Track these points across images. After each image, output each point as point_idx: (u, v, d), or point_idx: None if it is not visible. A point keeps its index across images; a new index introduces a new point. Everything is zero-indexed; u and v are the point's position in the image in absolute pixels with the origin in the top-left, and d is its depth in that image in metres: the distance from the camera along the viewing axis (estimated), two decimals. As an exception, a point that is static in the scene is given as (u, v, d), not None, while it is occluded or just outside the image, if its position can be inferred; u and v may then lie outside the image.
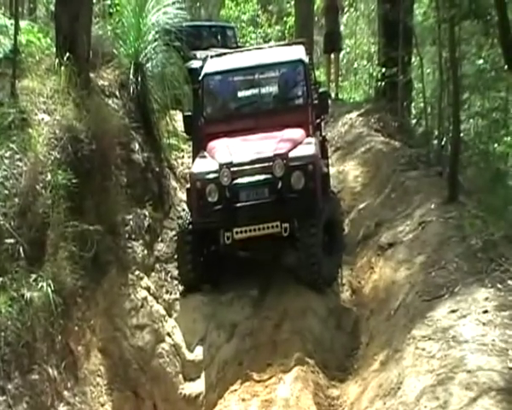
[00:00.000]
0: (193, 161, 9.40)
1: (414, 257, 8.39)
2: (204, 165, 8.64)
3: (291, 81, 9.71)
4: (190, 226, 8.65)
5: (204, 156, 8.91)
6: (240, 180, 8.32)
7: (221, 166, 8.29)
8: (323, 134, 10.29)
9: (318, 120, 9.76)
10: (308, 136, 8.96)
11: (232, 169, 8.28)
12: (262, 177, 8.33)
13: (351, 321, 8.66)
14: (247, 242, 8.57)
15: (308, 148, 8.61)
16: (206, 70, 9.65)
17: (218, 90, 9.83)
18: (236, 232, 8.37)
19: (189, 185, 8.84)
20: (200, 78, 9.52)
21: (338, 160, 13.08)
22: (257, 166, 8.36)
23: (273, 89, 9.78)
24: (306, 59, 9.70)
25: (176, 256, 8.98)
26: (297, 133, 8.89)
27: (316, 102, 9.55)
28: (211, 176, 8.36)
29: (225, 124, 9.29)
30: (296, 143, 8.65)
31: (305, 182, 8.31)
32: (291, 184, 8.29)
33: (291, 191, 8.29)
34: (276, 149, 8.41)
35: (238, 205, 8.30)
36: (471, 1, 11.57)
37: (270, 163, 8.27)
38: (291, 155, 8.37)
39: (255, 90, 9.75)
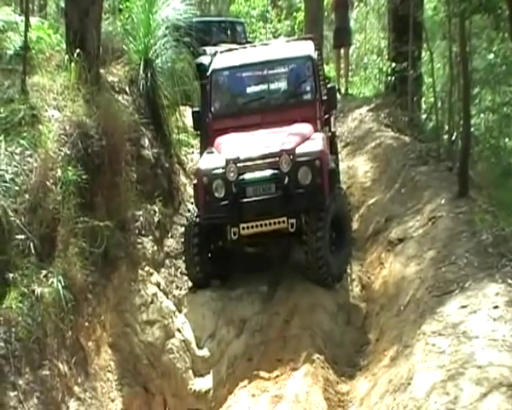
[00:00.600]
0: (200, 156, 9.43)
1: (424, 252, 8.38)
2: (211, 160, 8.64)
3: (299, 77, 9.72)
4: (197, 222, 8.64)
5: (211, 152, 8.90)
6: (246, 176, 8.31)
7: (228, 161, 8.28)
8: (333, 129, 10.27)
9: (327, 116, 9.74)
10: (316, 131, 8.95)
11: (239, 164, 8.27)
12: (269, 172, 8.31)
13: (360, 317, 8.67)
14: (254, 237, 8.57)
15: (315, 143, 8.59)
16: (214, 66, 9.66)
17: (227, 86, 9.84)
18: (243, 228, 8.36)
19: (195, 181, 8.81)
20: (207, 73, 9.53)
21: (348, 155, 13.08)
22: (264, 161, 8.35)
23: (281, 84, 9.83)
24: (315, 54, 9.68)
25: (183, 252, 8.96)
26: (305, 128, 8.88)
27: (324, 97, 9.53)
28: (217, 171, 8.35)
29: (233, 119, 9.29)
30: (304, 139, 8.63)
31: (312, 177, 8.28)
32: (298, 179, 8.27)
33: (298, 187, 8.27)
34: (283, 144, 8.40)
35: (245, 200, 8.28)
36: (482, -6, 11.56)
37: (277, 158, 8.26)
38: (298, 150, 8.35)
39: (263, 86, 9.77)
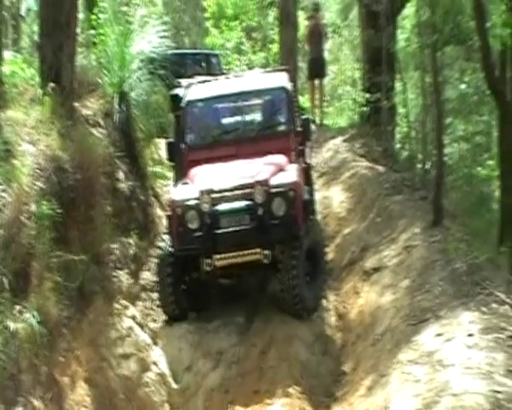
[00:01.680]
0: (175, 187, 9.39)
1: (399, 281, 8.45)
2: (185, 191, 8.63)
3: (274, 108, 9.74)
4: (171, 252, 8.58)
5: (185, 183, 8.90)
6: (220, 207, 8.30)
7: (201, 192, 8.27)
8: (308, 161, 10.25)
9: (301, 147, 9.70)
10: (291, 162, 8.96)
11: (213, 195, 8.26)
12: (243, 203, 8.31)
13: (337, 346, 8.69)
14: (229, 269, 8.54)
15: (290, 174, 8.60)
16: (188, 97, 9.66)
17: (201, 117, 9.79)
18: (217, 259, 8.33)
19: (169, 212, 8.77)
20: (182, 104, 9.55)
21: (323, 185, 13.11)
22: (238, 192, 8.35)
23: (256, 116, 9.89)
24: (290, 86, 9.71)
25: (157, 284, 8.88)
26: (279, 160, 8.90)
27: (299, 128, 9.53)
28: (191, 202, 8.34)
29: (208, 151, 9.28)
30: (278, 170, 8.64)
31: (287, 209, 8.27)
32: (272, 210, 8.26)
33: (272, 218, 8.26)
34: (257, 175, 8.40)
35: (219, 232, 8.26)
36: (453, 27, 11.77)
37: (251, 189, 8.27)
38: (272, 181, 8.35)
39: (238, 118, 9.83)
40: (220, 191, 8.33)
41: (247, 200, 8.30)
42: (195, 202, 8.30)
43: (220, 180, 8.50)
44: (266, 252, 8.35)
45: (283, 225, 8.28)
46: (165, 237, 8.89)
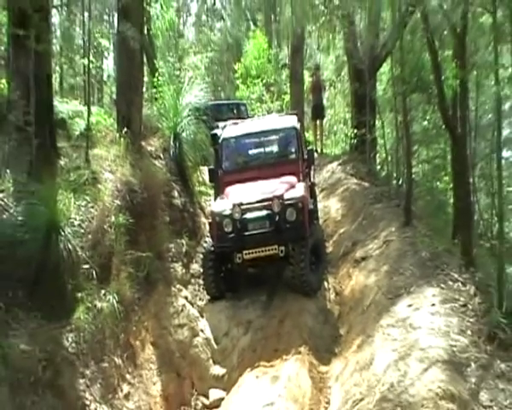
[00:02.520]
0: (214, 201, 9.40)
1: (380, 267, 8.38)
2: (221, 204, 8.63)
3: (286, 142, 9.60)
4: (212, 250, 8.60)
5: (222, 198, 8.90)
6: (248, 215, 8.30)
7: (234, 205, 8.28)
8: (312, 180, 10.19)
9: (307, 170, 9.68)
10: (299, 181, 8.92)
11: (242, 207, 8.27)
12: (264, 212, 8.29)
13: (335, 316, 8.60)
14: (254, 261, 8.52)
15: (298, 190, 8.59)
16: (224, 135, 9.64)
17: (233, 150, 9.68)
18: (245, 254, 8.35)
19: (210, 220, 8.80)
20: (219, 141, 9.54)
21: (323, 198, 13.07)
22: (260, 204, 8.33)
23: (273, 147, 9.77)
24: (298, 125, 9.66)
25: (202, 273, 8.91)
26: (290, 179, 8.85)
27: (305, 156, 9.50)
28: (227, 212, 8.34)
29: (238, 174, 9.22)
30: (290, 187, 8.61)
31: (297, 216, 8.26)
32: (286, 217, 8.24)
33: (286, 223, 8.24)
34: (275, 191, 8.39)
35: (246, 233, 8.27)
36: (418, 79, 11.72)
37: (270, 202, 8.25)
38: (286, 196, 8.34)
39: (260, 149, 9.73)
40: (247, 204, 8.33)
41: (267, 210, 8.29)
42: (229, 212, 8.31)
43: (247, 196, 8.50)
44: (282, 248, 8.32)
45: (294, 228, 8.27)
46: (207, 238, 8.97)
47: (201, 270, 8.89)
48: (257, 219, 8.31)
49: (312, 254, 8.50)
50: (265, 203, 8.31)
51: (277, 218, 8.24)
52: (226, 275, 8.79)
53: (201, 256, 8.90)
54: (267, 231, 8.27)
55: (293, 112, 11.33)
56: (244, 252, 8.35)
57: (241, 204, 8.30)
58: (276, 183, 8.72)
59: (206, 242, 8.95)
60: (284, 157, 9.54)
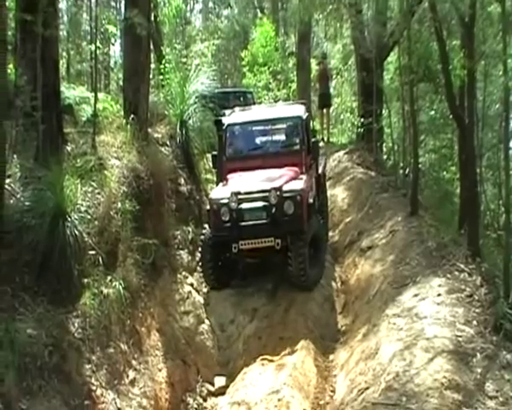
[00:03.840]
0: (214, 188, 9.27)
1: (386, 256, 8.40)
2: (221, 192, 8.51)
3: (291, 132, 9.38)
4: (210, 238, 8.43)
5: (222, 186, 8.78)
6: (244, 205, 8.13)
7: (232, 193, 8.14)
8: (320, 172, 9.85)
9: (313, 161, 9.40)
10: (301, 173, 8.72)
11: (239, 196, 8.11)
12: (260, 204, 8.12)
13: (341, 305, 8.64)
14: (251, 251, 8.35)
15: (299, 183, 8.39)
16: (228, 121, 9.48)
17: (237, 136, 9.51)
18: (242, 244, 8.16)
19: (208, 207, 8.57)
20: (224, 127, 9.39)
21: (330, 186, 12.98)
22: (258, 195, 8.16)
23: (277, 137, 9.54)
24: (305, 116, 9.41)
25: (200, 261, 8.72)
26: (292, 171, 8.68)
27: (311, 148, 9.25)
28: (224, 201, 8.20)
29: (241, 162, 9.07)
30: (290, 179, 8.44)
31: (294, 209, 8.06)
32: (283, 210, 8.05)
33: (283, 215, 8.05)
34: (274, 182, 8.23)
35: (243, 224, 8.12)
36: (425, 68, 11.64)
37: (268, 193, 8.09)
38: (285, 187, 8.17)
39: (264, 138, 9.55)
40: (245, 193, 8.17)
41: (264, 201, 8.11)
42: (227, 200, 8.17)
43: (246, 185, 8.35)
44: (278, 241, 8.10)
45: (291, 221, 8.08)
46: (206, 226, 8.73)
47: (199, 258, 8.73)
48: (253, 209, 8.14)
49: (311, 248, 8.31)
50: (263, 194, 8.14)
51: (274, 210, 8.06)
52: (224, 264, 8.62)
53: (201, 244, 8.67)
54: (263, 222, 8.10)
55: (301, 101, 11.12)
56: (240, 242, 8.16)
57: (239, 193, 8.15)
58: (277, 173, 8.56)
59: (204, 229, 8.72)
60: (289, 147, 9.36)
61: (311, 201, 8.45)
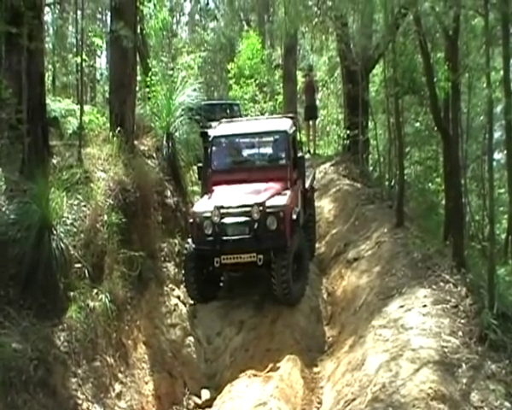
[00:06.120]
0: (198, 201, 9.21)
1: (372, 267, 8.43)
2: (203, 205, 8.45)
3: (277, 146, 9.30)
4: (193, 251, 8.32)
5: (206, 198, 8.73)
6: (227, 219, 8.05)
7: (214, 207, 8.07)
8: (307, 186, 9.69)
9: (298, 176, 9.21)
10: (286, 188, 8.59)
11: (222, 211, 8.02)
12: (243, 219, 8.03)
13: (327, 316, 8.65)
14: (233, 266, 8.28)
15: (282, 198, 8.29)
16: (214, 133, 9.42)
17: (223, 149, 9.44)
18: (223, 258, 8.07)
19: (191, 220, 8.46)
20: (209, 139, 9.32)
21: (316, 198, 12.98)
22: (240, 210, 8.08)
23: (263, 150, 9.50)
24: (292, 130, 9.33)
25: (183, 274, 8.60)
26: (277, 186, 8.59)
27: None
28: (207, 214, 8.12)
29: (227, 174, 8.99)
30: (274, 194, 8.36)
31: (277, 225, 7.97)
32: (266, 225, 7.96)
33: (266, 231, 7.96)
34: (257, 198, 8.15)
35: (225, 238, 8.02)
36: (410, 81, 11.77)
37: (251, 208, 8.00)
38: (268, 203, 8.08)
39: (250, 151, 9.52)
40: (228, 208, 8.09)
41: (246, 216, 8.02)
42: (210, 214, 8.09)
43: (230, 199, 8.27)
44: (260, 256, 8.00)
45: (274, 237, 7.99)
46: (189, 239, 8.58)
47: (183, 272, 8.61)
48: (236, 224, 8.06)
49: (294, 264, 8.20)
50: (245, 209, 8.06)
51: (257, 225, 7.96)
52: (207, 278, 8.50)
53: (184, 257, 8.57)
54: (245, 237, 8.00)
55: (289, 115, 11.00)
56: (222, 257, 8.07)
57: (222, 207, 8.07)
58: (261, 188, 8.48)
59: (188, 243, 8.56)
60: (274, 161, 9.25)
61: (294, 217, 8.32)
